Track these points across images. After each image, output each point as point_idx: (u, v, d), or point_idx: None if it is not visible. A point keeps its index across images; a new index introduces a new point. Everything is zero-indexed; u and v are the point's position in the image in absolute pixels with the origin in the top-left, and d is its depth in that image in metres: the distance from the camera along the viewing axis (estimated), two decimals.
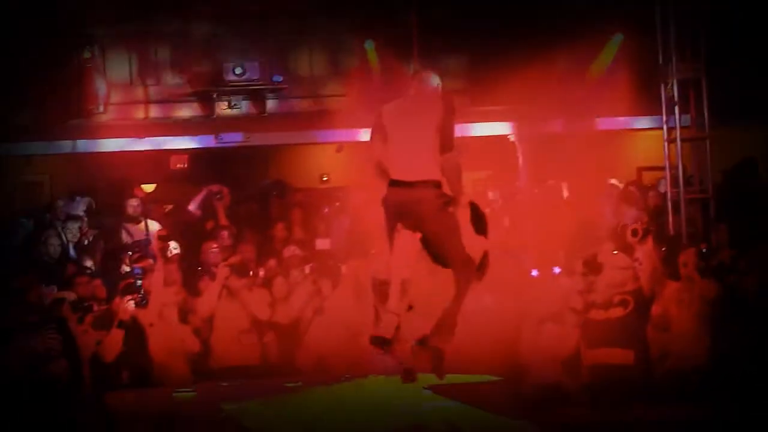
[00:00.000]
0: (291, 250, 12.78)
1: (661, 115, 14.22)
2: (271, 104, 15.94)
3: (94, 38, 15.22)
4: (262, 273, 12.29)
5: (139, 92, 15.72)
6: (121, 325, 10.32)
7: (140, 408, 8.95)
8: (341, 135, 16.06)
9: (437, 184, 7.91)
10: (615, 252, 10.18)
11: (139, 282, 10.65)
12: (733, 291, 10.36)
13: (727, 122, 15.05)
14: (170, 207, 15.20)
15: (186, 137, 15.79)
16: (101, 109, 15.14)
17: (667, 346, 10.07)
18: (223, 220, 13.90)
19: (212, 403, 9.18)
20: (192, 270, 12.49)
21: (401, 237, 7.98)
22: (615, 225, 12.81)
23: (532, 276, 11.16)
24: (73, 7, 14.71)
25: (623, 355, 9.44)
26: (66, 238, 13.50)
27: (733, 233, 12.32)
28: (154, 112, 15.74)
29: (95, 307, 10.47)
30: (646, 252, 9.72)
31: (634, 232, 9.69)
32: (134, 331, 10.44)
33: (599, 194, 14.84)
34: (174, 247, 12.58)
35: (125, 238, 13.53)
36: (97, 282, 11.57)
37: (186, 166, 16.39)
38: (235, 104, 15.66)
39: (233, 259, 12.03)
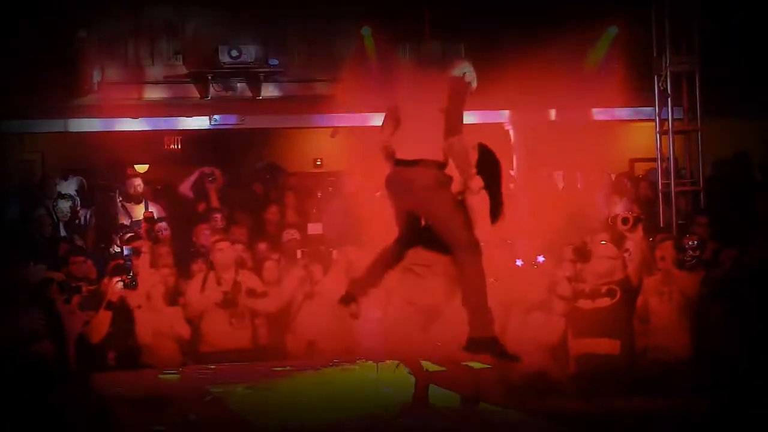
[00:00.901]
0: (290, 234, 12.79)
1: (654, 107, 14.26)
2: (266, 87, 15.92)
3: (89, 18, 15.21)
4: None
5: (133, 72, 15.70)
6: (109, 306, 10.32)
7: (127, 389, 8.97)
8: (336, 120, 16.09)
9: (439, 165, 7.90)
10: (603, 242, 10.18)
11: (129, 262, 10.65)
12: (715, 283, 10.39)
13: (720, 115, 15.10)
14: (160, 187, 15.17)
15: (180, 118, 15.78)
16: (95, 88, 15.13)
17: (649, 338, 10.13)
18: (215, 203, 13.92)
19: (199, 385, 9.21)
20: (184, 252, 12.53)
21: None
22: (606, 215, 12.86)
23: (518, 265, 11.18)
24: None
25: (610, 345, 9.46)
26: (56, 216, 13.52)
27: (719, 226, 12.34)
28: (149, 92, 15.72)
29: (84, 288, 10.47)
30: (635, 241, 9.75)
31: (625, 221, 9.71)
32: (122, 312, 10.44)
33: (592, 184, 14.89)
34: (164, 228, 12.60)
35: (124, 218, 13.53)
36: (90, 262, 11.59)
37: (179, 147, 16.39)
38: (230, 87, 15.65)
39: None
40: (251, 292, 11.47)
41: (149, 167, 16.18)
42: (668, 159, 14.14)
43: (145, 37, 15.70)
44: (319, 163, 17.54)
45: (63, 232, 13.40)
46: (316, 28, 16.18)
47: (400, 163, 7.95)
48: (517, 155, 15.75)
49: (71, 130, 15.25)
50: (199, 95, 15.73)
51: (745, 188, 14.46)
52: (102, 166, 15.21)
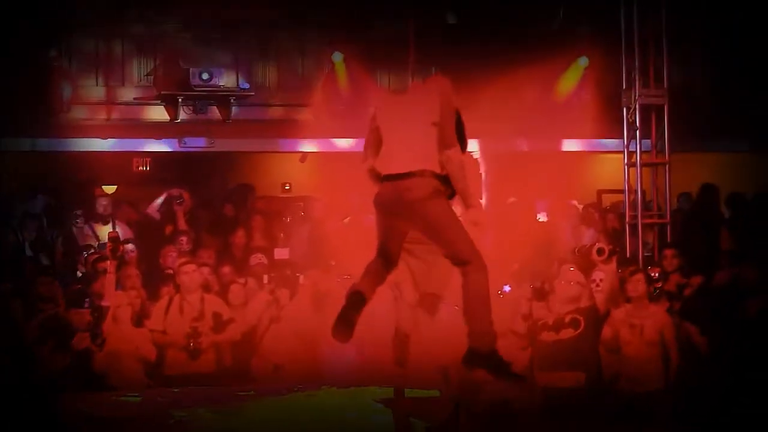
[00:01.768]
0: (257, 258, 12.77)
1: (623, 138, 14.32)
2: (236, 111, 15.91)
3: (60, 37, 15.18)
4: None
5: (103, 93, 15.67)
6: (73, 328, 10.28)
7: (89, 412, 8.92)
8: (305, 145, 16.11)
9: (435, 175, 7.53)
10: (571, 268, 10.13)
11: (87, 289, 10.59)
12: (683, 315, 10.45)
13: (688, 148, 15.21)
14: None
15: (149, 140, 15.76)
16: (65, 108, 15.09)
17: (618, 369, 10.14)
18: (183, 225, 13.88)
19: (162, 408, 9.17)
20: (152, 274, 12.48)
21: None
22: (573, 246, 12.90)
23: None
24: (39, 5, 14.65)
25: (575, 378, 9.46)
26: (21, 236, 13.45)
27: (686, 258, 12.40)
28: (118, 113, 15.69)
29: (48, 309, 10.41)
30: (608, 273, 9.70)
31: (600, 251, 9.62)
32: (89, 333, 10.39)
33: (559, 214, 14.94)
34: (130, 249, 12.56)
35: (91, 239, 13.47)
36: (56, 282, 11.51)
37: (148, 168, 16.36)
38: (200, 109, 15.64)
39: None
40: (216, 316, 11.42)
41: (117, 188, 16.13)
42: (636, 191, 14.19)
43: (116, 58, 15.68)
44: (287, 187, 17.53)
45: (29, 252, 13.32)
46: (287, 52, 16.21)
47: (391, 177, 7.56)
48: (485, 184, 15.78)
49: (39, 149, 15.20)
50: (169, 117, 15.70)
51: (712, 221, 14.52)
52: (69, 186, 15.14)
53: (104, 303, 10.73)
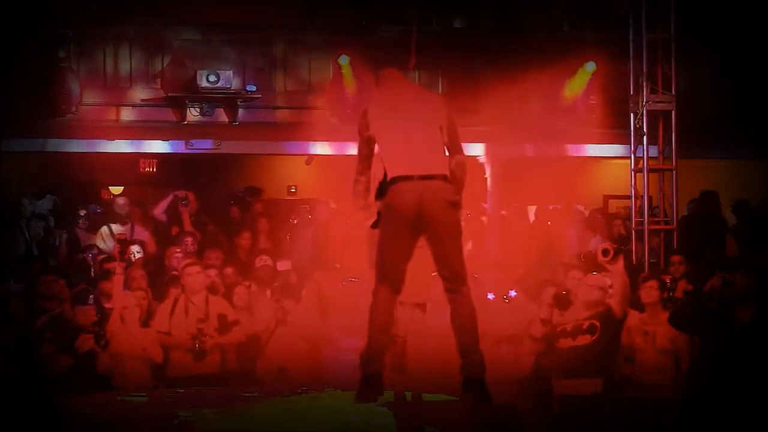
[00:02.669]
0: (263, 260, 12.75)
1: (630, 144, 14.31)
2: (242, 113, 15.94)
3: (69, 38, 15.21)
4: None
5: (111, 94, 15.70)
6: (80, 328, 10.28)
7: (95, 411, 8.92)
8: (311, 147, 16.12)
9: (447, 179, 7.53)
10: (594, 273, 10.07)
11: (92, 296, 10.58)
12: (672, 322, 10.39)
13: (695, 154, 15.20)
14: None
15: (156, 141, 15.79)
16: (73, 108, 15.12)
17: (633, 376, 10.12)
18: (188, 226, 13.89)
19: (167, 408, 9.17)
20: (160, 275, 12.49)
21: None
22: (579, 251, 12.90)
23: (489, 298, 11.15)
24: (48, 5, 14.68)
25: (592, 384, 9.40)
26: (29, 236, 13.47)
27: (692, 265, 12.37)
28: (126, 114, 15.72)
29: (54, 308, 10.41)
30: (616, 272, 9.63)
31: (605, 252, 9.51)
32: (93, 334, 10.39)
33: (565, 220, 14.93)
34: (137, 251, 12.56)
35: (108, 239, 13.48)
36: (62, 281, 11.50)
37: (154, 170, 16.38)
38: (207, 111, 15.66)
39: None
40: (221, 318, 11.41)
41: (124, 189, 16.17)
42: (642, 197, 14.18)
43: (124, 60, 15.70)
44: (293, 190, 17.55)
45: (36, 252, 13.35)
46: (294, 55, 16.23)
47: (411, 178, 7.45)
48: (491, 189, 15.80)
49: (48, 150, 15.24)
50: (176, 119, 15.73)
51: (718, 227, 14.50)
52: (77, 187, 15.18)
53: (109, 304, 10.71)
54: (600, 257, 9.51)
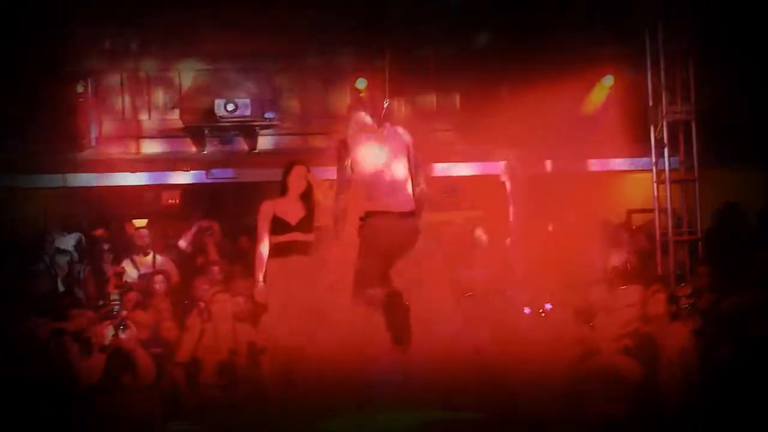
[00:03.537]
0: None
1: (651, 157, 14.26)
2: (262, 141, 15.96)
3: (87, 72, 15.27)
4: None
5: (131, 127, 15.74)
6: (102, 349, 10.26)
7: None
8: (331, 173, 16.07)
9: (415, 213, 8.68)
10: (623, 287, 10.15)
11: (116, 308, 10.57)
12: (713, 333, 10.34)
13: (717, 165, 15.13)
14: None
15: (177, 172, 15.80)
16: (93, 142, 15.17)
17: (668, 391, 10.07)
18: (214, 255, 13.89)
19: None
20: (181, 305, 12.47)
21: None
22: (604, 266, 12.85)
23: (525, 312, 11.16)
24: (67, 40, 14.74)
25: (623, 406, 9.37)
26: (55, 271, 13.49)
27: (716, 276, 12.29)
28: (146, 147, 15.76)
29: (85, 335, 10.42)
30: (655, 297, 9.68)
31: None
32: (117, 356, 10.35)
33: (588, 236, 14.86)
34: (160, 280, 12.57)
35: (131, 271, 13.48)
36: (90, 313, 11.48)
37: (177, 201, 16.39)
38: (226, 140, 15.69)
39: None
40: (251, 346, 11.38)
41: (147, 221, 16.17)
42: (666, 209, 14.12)
43: (141, 92, 15.75)
44: None
45: (61, 287, 13.37)
46: (311, 80, 16.25)
47: (386, 214, 8.55)
48: (513, 207, 15.75)
49: (70, 184, 15.27)
50: (195, 149, 15.76)
51: (744, 238, 14.42)
52: (100, 221, 15.18)
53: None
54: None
